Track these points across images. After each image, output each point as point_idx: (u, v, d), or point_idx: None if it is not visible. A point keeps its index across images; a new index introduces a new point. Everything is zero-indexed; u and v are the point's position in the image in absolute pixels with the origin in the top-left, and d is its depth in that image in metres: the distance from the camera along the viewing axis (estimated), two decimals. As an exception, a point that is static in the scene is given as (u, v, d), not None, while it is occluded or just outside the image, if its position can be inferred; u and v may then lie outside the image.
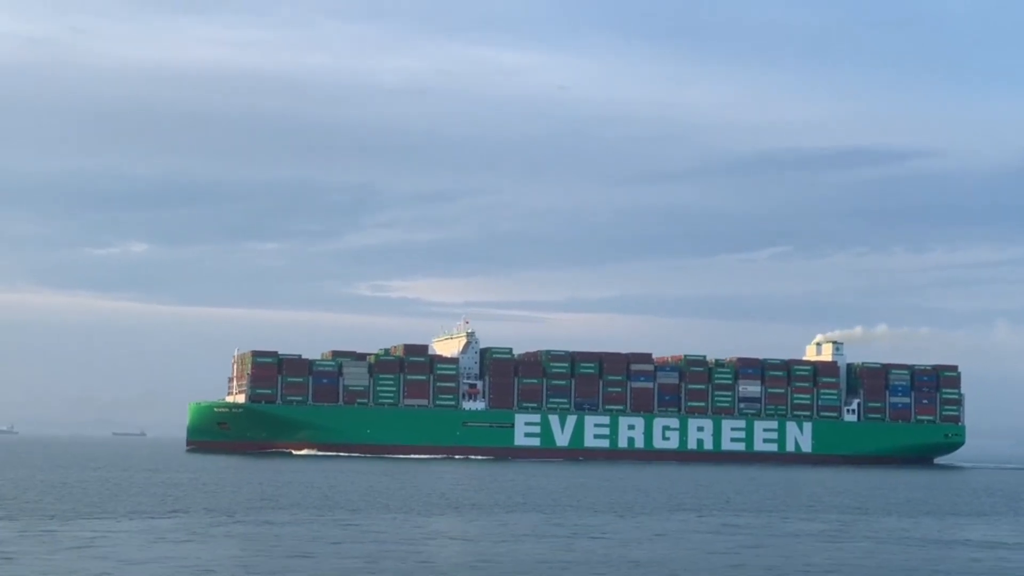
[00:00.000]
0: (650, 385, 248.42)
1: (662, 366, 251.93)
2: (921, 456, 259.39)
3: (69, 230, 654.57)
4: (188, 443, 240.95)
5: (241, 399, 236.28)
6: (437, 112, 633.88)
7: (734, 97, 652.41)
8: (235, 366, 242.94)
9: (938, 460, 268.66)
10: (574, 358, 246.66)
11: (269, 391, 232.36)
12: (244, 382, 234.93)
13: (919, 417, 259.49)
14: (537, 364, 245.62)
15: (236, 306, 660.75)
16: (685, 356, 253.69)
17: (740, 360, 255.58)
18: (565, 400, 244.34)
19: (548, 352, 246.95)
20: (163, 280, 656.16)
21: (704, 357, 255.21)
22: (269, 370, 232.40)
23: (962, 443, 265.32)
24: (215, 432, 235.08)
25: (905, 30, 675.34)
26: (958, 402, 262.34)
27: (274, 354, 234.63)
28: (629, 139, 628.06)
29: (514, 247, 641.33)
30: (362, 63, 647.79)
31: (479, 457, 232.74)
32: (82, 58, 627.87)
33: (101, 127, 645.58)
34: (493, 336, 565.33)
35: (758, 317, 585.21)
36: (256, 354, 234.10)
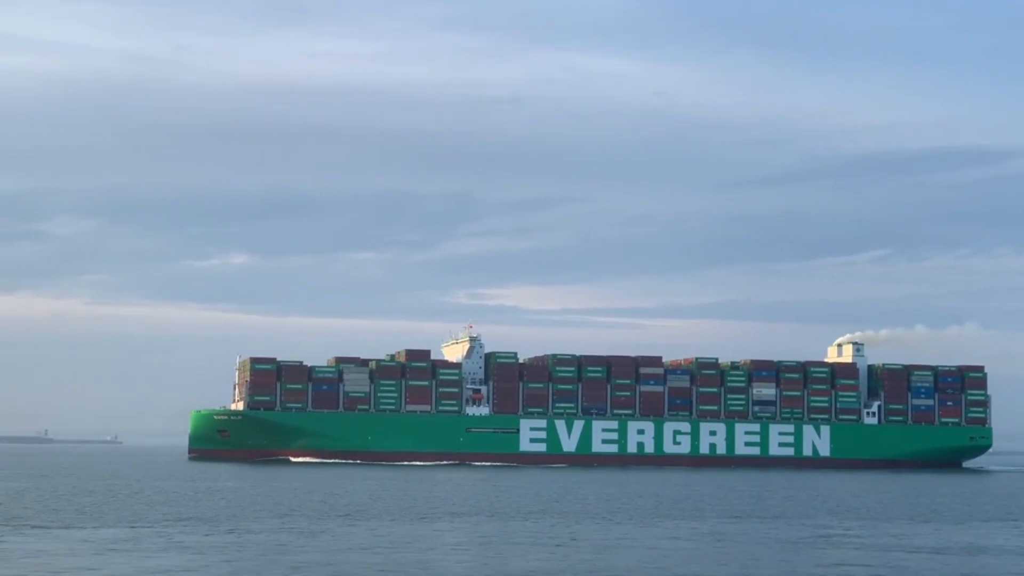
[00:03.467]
0: (660, 389, 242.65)
1: (673, 369, 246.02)
2: (945, 460, 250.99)
3: (172, 243, 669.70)
4: (190, 451, 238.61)
5: (242, 406, 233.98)
6: (534, 120, 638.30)
7: (833, 100, 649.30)
8: (238, 373, 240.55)
9: (967, 464, 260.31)
10: (581, 362, 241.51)
11: (268, 398, 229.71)
12: (244, 389, 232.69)
13: (943, 419, 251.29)
14: (543, 368, 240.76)
15: (335, 316, 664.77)
16: (696, 359, 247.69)
17: (754, 362, 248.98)
18: (572, 405, 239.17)
19: (554, 356, 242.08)
20: (263, 291, 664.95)
21: (716, 360, 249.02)
22: (268, 377, 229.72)
23: (989, 446, 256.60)
24: (216, 440, 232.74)
25: (1008, 30, 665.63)
26: (984, 404, 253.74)
27: (273, 360, 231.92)
28: (727, 145, 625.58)
29: (611, 254, 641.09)
30: (459, 73, 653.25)
31: (483, 464, 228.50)
32: (185, 75, 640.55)
33: (202, 142, 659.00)
34: (590, 343, 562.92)
35: (857, 321, 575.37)
36: (255, 361, 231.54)
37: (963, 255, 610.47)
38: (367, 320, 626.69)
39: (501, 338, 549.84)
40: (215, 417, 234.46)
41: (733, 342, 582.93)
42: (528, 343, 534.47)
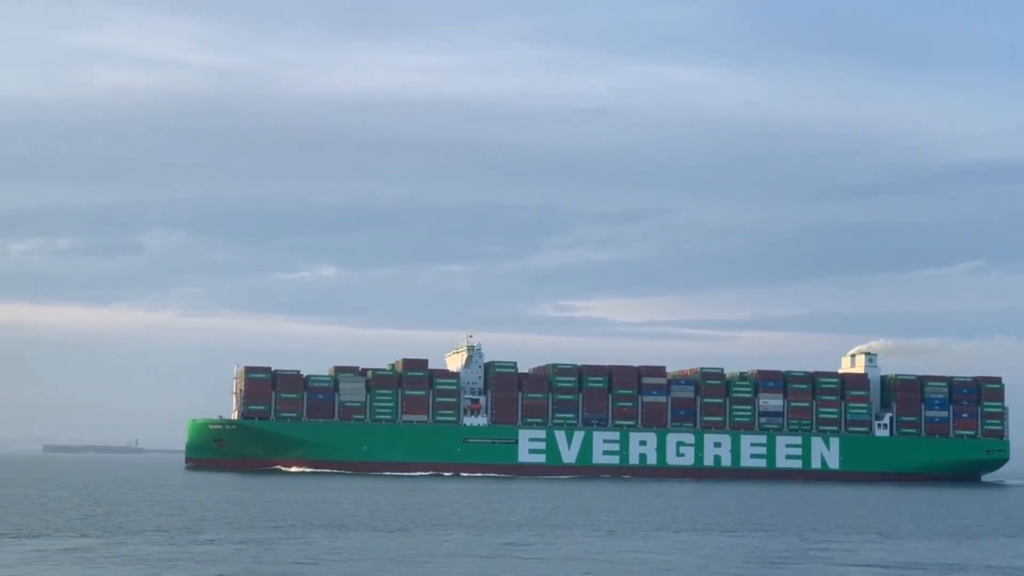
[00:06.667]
0: (663, 399, 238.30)
1: (676, 380, 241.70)
2: (960, 473, 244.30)
3: (262, 256, 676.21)
4: (187, 460, 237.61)
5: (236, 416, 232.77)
6: (621, 132, 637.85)
7: (923, 109, 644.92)
8: (235, 382, 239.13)
9: (986, 477, 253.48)
10: (581, 372, 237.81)
11: (262, 407, 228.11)
12: (239, 398, 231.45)
13: (958, 432, 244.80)
14: (543, 379, 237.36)
15: (422, 328, 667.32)
16: (701, 369, 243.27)
17: (760, 372, 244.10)
18: (572, 415, 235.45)
19: (555, 366, 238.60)
20: (351, 302, 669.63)
21: (722, 370, 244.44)
22: (262, 386, 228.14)
23: (1006, 459, 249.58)
24: (212, 449, 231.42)
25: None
26: (1001, 416, 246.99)
27: (267, 370, 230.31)
28: (816, 154, 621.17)
29: (698, 266, 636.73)
30: (545, 85, 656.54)
31: (480, 474, 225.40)
32: (274, 88, 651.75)
33: (292, 155, 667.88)
34: (678, 355, 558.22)
35: (952, 334, 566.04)
36: (249, 370, 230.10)
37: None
38: (454, 332, 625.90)
39: (587, 350, 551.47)
40: (210, 426, 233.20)
41: (824, 354, 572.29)
42: (614, 354, 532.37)
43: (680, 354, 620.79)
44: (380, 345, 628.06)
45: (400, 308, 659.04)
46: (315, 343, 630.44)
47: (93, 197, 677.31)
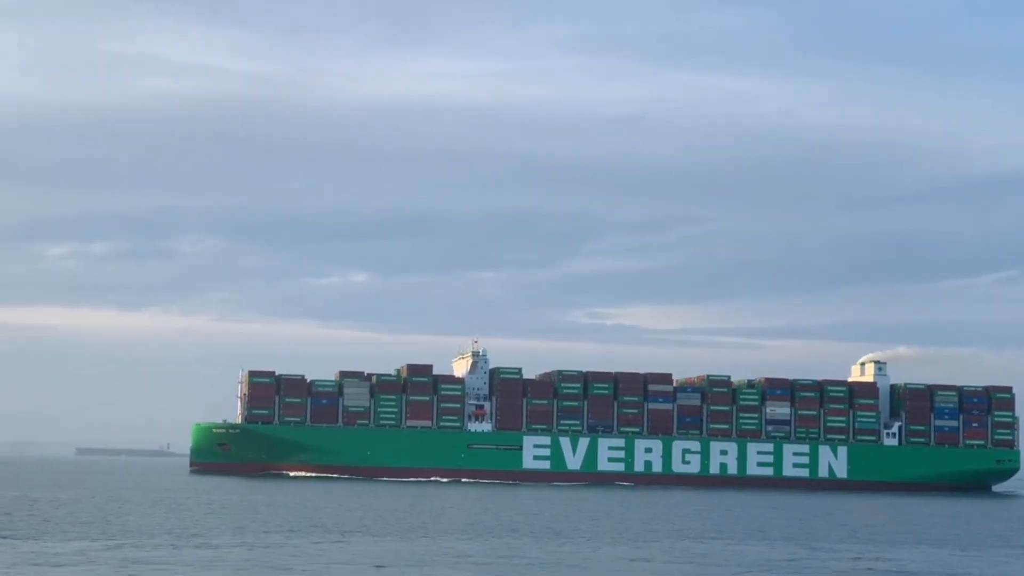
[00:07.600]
0: (669, 407, 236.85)
1: (683, 387, 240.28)
2: (969, 483, 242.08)
3: (293, 262, 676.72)
4: (191, 464, 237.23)
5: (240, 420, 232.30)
6: (654, 140, 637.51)
7: (955, 119, 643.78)
8: (240, 386, 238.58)
9: (996, 488, 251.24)
10: (587, 378, 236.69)
11: (266, 412, 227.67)
12: (243, 402, 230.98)
13: (968, 441, 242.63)
14: (548, 385, 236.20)
15: (453, 334, 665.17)
16: (708, 376, 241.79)
17: (768, 380, 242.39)
18: (577, 422, 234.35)
19: (560, 372, 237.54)
20: (382, 309, 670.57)
21: (728, 377, 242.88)
22: (266, 390, 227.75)
23: (1017, 469, 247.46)
24: (216, 453, 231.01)
25: None
26: (1012, 425, 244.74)
27: (271, 374, 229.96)
28: (847, 164, 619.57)
29: (731, 274, 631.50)
30: (580, 92, 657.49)
31: (484, 481, 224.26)
32: (307, 95, 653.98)
33: (324, 162, 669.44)
34: (712, 363, 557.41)
35: (980, 344, 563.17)
36: (253, 374, 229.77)
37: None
38: (485, 338, 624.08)
39: (619, 357, 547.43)
40: (214, 430, 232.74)
41: (854, 362, 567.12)
42: (647, 362, 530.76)
43: (710, 361, 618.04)
44: (403, 349, 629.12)
45: (430, 315, 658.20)
46: (340, 347, 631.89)
47: (128, 203, 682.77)
